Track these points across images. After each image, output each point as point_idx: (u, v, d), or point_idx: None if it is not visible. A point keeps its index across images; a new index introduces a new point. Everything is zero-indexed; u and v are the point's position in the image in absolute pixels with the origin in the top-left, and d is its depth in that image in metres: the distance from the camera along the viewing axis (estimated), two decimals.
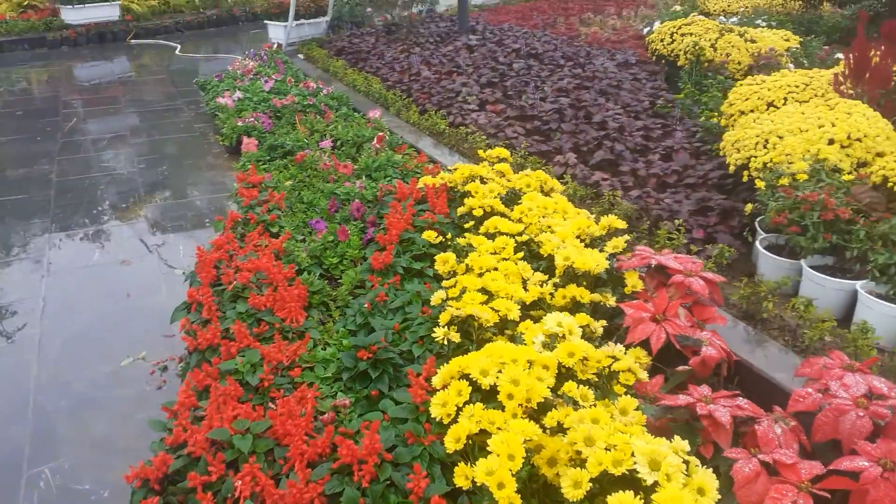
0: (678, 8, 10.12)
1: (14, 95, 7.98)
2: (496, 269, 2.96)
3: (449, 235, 3.53)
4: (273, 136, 5.45)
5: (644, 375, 2.31)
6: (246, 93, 6.58)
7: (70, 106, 7.47)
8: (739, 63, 6.16)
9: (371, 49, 8.45)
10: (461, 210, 3.73)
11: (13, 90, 8.22)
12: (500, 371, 2.07)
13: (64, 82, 8.66)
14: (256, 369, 2.56)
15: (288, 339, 2.85)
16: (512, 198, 3.83)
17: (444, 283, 2.89)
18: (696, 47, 6.29)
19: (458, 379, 2.11)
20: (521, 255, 3.07)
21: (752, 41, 6.28)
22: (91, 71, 9.41)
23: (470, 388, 2.06)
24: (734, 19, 8.34)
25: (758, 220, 3.55)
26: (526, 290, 2.84)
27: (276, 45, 9.08)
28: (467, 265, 3.06)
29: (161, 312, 3.50)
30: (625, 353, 2.34)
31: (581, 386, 2.12)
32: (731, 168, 3.82)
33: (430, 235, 3.52)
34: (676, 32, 7.13)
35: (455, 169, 4.36)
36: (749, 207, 3.56)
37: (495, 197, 3.72)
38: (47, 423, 2.76)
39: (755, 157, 3.67)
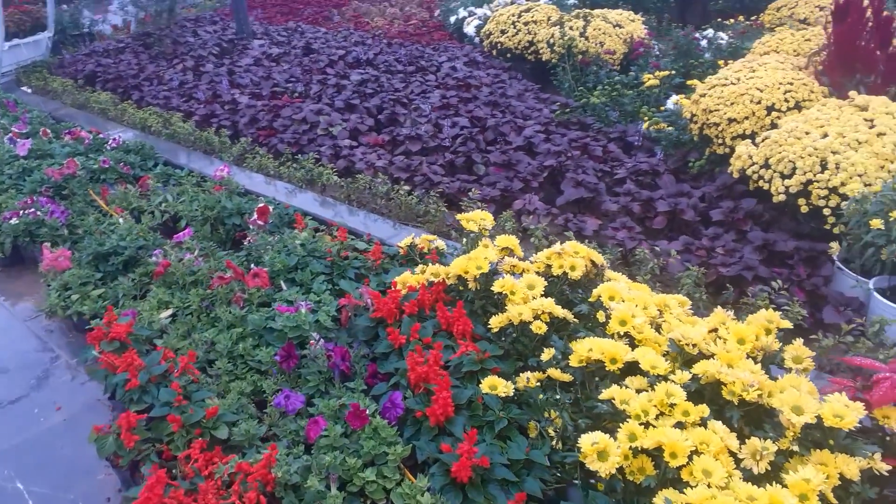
0: None
1: None
2: (696, 449, 1.86)
3: (533, 380, 2.29)
4: (86, 232, 3.53)
5: None
6: None
7: None
8: (615, 52, 5.60)
9: (138, 71, 6.36)
10: (496, 323, 2.52)
11: None
12: None
13: None
14: None
15: None
16: (553, 292, 2.70)
17: None
18: (566, 38, 5.58)
19: None
20: (703, 409, 1.99)
21: (619, 26, 5.76)
22: None
23: None
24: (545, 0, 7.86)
25: (839, 259, 2.91)
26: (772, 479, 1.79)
27: None
28: (635, 448, 1.90)
29: None
30: None
31: None
32: (779, 197, 3.12)
33: (494, 386, 2.26)
34: (518, 21, 6.38)
35: (411, 246, 3.11)
36: (836, 247, 2.89)
37: (543, 295, 2.57)
38: None
39: (816, 181, 3.00)
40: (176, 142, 4.96)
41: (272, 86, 5.70)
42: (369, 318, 2.68)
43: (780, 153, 3.13)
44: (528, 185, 3.86)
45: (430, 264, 2.94)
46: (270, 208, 3.60)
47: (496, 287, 2.59)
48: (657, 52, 5.71)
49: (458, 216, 3.13)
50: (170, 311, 2.91)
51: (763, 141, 3.32)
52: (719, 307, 2.41)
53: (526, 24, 6.34)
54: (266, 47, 6.91)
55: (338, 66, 6.12)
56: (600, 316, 2.44)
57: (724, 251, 3.05)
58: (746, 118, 3.56)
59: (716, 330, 2.30)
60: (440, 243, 3.26)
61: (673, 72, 4.97)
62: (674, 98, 4.47)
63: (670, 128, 4.16)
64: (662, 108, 4.48)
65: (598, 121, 4.85)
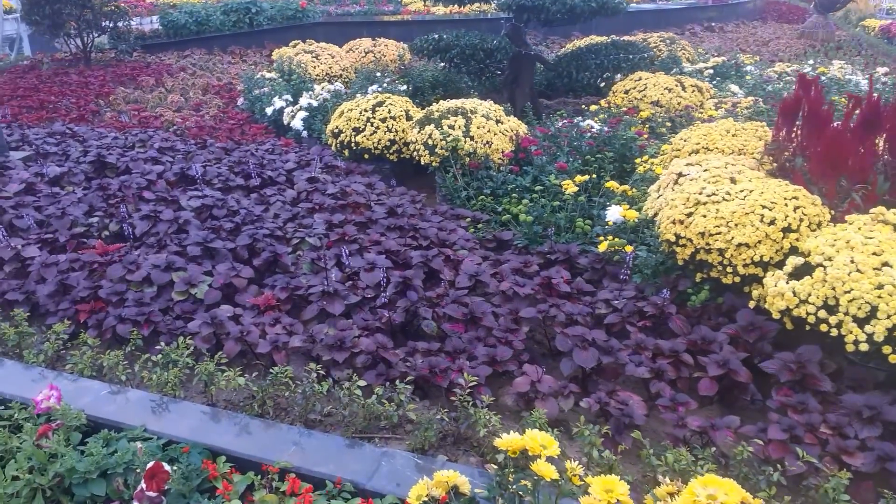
0: (270, 74, 8.34)
1: None
2: None
3: None
4: None
5: None
6: None
7: None
8: (503, 152, 4.92)
9: None
10: None
11: None
12: None
13: None
14: None
15: None
16: None
17: None
18: (450, 139, 4.77)
19: None
20: None
21: (500, 121, 5.10)
22: None
23: None
24: (374, 87, 7.04)
25: None
26: None
27: None
28: None
29: None
30: None
31: None
32: (861, 346, 2.55)
33: None
34: (374, 118, 5.47)
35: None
36: None
37: None
38: None
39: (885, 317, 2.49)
40: None
41: (69, 225, 4.08)
42: None
43: (849, 293, 2.59)
44: (516, 351, 2.92)
45: None
46: (167, 467, 2.20)
47: None
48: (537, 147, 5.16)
49: (501, 443, 2.07)
50: None
51: (806, 274, 2.77)
52: None
53: (384, 120, 5.45)
54: (38, 165, 5.13)
55: (157, 188, 4.64)
56: None
57: (832, 430, 2.38)
58: (759, 242, 3.02)
59: None
60: (462, 480, 2.18)
61: (594, 176, 4.41)
62: (615, 210, 3.86)
63: (644, 250, 3.51)
64: (611, 222, 3.84)
65: (520, 237, 4.09)
